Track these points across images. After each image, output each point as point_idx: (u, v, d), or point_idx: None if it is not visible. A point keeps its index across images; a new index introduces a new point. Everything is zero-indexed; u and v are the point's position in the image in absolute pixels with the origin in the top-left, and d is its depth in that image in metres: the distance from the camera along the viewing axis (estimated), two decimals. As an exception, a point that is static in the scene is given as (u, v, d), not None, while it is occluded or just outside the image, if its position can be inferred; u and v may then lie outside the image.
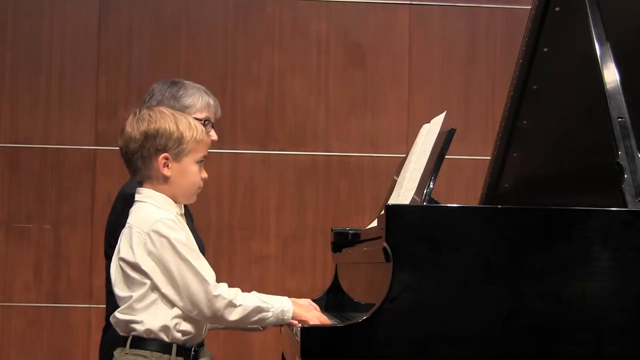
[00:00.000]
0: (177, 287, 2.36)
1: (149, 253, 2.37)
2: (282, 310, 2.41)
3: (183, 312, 2.38)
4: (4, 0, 4.80)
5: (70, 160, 4.79)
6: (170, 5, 4.87)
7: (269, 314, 2.40)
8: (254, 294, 2.44)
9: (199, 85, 3.07)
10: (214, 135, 3.03)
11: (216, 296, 2.35)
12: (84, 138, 4.80)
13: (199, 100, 3.01)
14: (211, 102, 3.05)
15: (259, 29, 4.90)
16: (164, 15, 4.86)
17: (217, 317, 2.38)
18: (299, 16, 4.92)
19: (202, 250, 2.70)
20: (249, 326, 2.47)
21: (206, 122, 3.00)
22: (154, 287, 2.37)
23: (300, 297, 2.86)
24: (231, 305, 2.37)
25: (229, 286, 2.41)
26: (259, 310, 2.39)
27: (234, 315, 2.37)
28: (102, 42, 4.83)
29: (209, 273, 2.39)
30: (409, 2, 4.96)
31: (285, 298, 2.45)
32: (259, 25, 4.90)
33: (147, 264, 2.36)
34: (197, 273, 2.36)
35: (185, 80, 3.08)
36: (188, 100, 3.00)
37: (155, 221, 2.38)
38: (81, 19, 4.83)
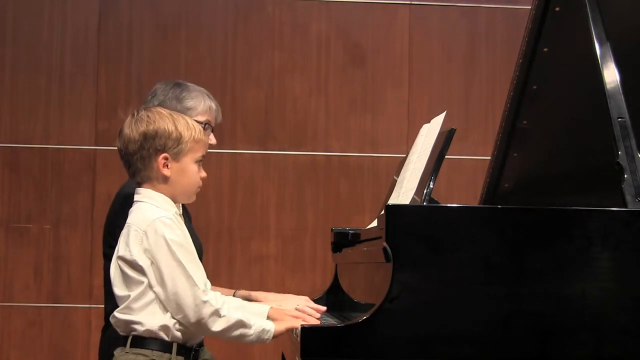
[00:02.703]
0: (165, 287, 2.35)
1: (145, 250, 2.37)
2: (263, 330, 2.39)
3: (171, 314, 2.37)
4: (4, 0, 4.80)
5: (70, 160, 4.79)
6: (170, 5, 4.87)
7: (250, 331, 2.39)
8: (239, 308, 2.43)
9: (201, 88, 3.08)
10: (213, 140, 3.04)
11: (204, 302, 2.34)
12: (84, 138, 4.80)
13: (201, 104, 3.02)
14: (213, 106, 3.06)
15: (259, 29, 4.90)
16: (164, 15, 4.86)
17: (201, 325, 2.36)
18: (299, 16, 4.92)
19: (200, 249, 2.70)
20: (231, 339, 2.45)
21: (206, 125, 3.01)
22: (151, 286, 2.37)
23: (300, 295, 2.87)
24: (216, 314, 2.35)
25: (228, 287, 2.41)
26: (241, 324, 2.37)
27: (217, 326, 2.36)
28: (102, 42, 4.83)
29: (201, 278, 2.38)
30: (409, 2, 4.96)
31: (269, 320, 2.43)
32: (259, 25, 4.90)
33: (144, 262, 2.37)
34: (188, 276, 2.35)
35: (188, 83, 3.08)
36: (190, 103, 3.01)
37: (153, 219, 2.38)
38: (81, 19, 4.83)
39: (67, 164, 4.79)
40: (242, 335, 2.39)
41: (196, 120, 2.86)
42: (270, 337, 2.41)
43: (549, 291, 2.20)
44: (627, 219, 2.25)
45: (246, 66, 4.88)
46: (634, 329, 2.21)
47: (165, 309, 2.37)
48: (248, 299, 2.93)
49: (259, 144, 4.87)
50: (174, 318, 2.37)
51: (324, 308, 2.59)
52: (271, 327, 2.40)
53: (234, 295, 2.95)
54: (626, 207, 2.30)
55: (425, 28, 4.97)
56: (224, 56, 4.87)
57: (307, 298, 2.80)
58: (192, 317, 2.35)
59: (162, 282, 2.36)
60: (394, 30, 4.95)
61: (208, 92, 3.08)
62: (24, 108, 4.79)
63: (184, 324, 2.38)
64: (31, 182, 4.77)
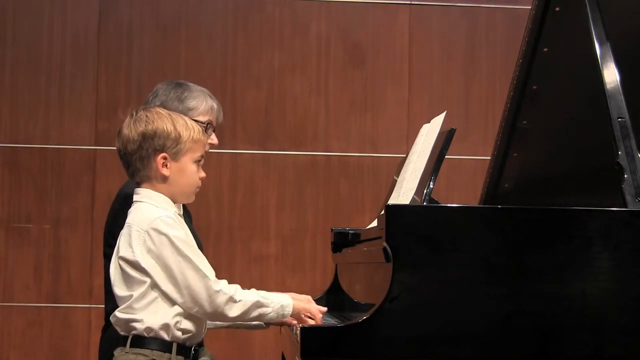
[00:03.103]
0: (177, 284, 2.36)
1: (149, 251, 2.37)
2: (282, 305, 2.42)
3: (184, 309, 2.38)
4: (4, 0, 4.80)
5: (70, 160, 4.79)
6: (170, 5, 4.87)
7: (269, 309, 2.41)
8: (254, 290, 2.44)
9: (203, 88, 3.08)
10: (214, 139, 3.04)
11: (217, 291, 2.36)
12: (84, 138, 4.80)
13: (203, 103, 3.02)
14: (215, 106, 3.06)
15: (259, 29, 4.90)
16: (164, 15, 4.86)
17: (217, 314, 2.38)
18: (299, 16, 4.92)
19: (201, 250, 2.70)
20: (251, 323, 2.48)
21: (208, 125, 3.01)
22: (154, 285, 2.38)
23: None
24: (232, 300, 2.37)
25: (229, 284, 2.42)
26: (258, 304, 2.40)
27: (234, 311, 2.38)
28: (102, 42, 4.83)
29: (209, 269, 2.39)
30: (409, 2, 4.96)
31: (286, 294, 2.46)
32: (259, 25, 4.90)
33: (147, 262, 2.37)
34: (197, 269, 2.36)
35: (189, 83, 3.09)
36: (192, 103, 3.01)
37: (154, 219, 2.38)
38: (81, 19, 4.83)
39: (67, 164, 4.79)
40: (261, 315, 2.42)
41: (198, 121, 2.86)
42: (290, 313, 2.43)
43: (549, 291, 2.20)
44: (627, 219, 2.25)
45: (246, 66, 4.88)
46: (634, 329, 2.21)
47: (169, 306, 2.37)
48: None
49: (259, 144, 4.87)
50: (179, 316, 2.38)
51: (324, 309, 2.59)
52: (289, 302, 2.43)
53: None
54: (626, 207, 2.30)
55: (425, 28, 4.97)
56: (224, 56, 4.87)
57: (309, 298, 2.80)
58: (208, 308, 2.36)
59: (172, 279, 2.36)
60: (394, 30, 4.95)
61: (209, 92, 3.08)
62: (24, 108, 4.79)
63: (198, 317, 2.39)
64: (31, 182, 4.77)
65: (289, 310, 2.43)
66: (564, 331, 2.20)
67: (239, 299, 2.38)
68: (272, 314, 2.42)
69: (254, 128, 4.87)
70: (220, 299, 2.36)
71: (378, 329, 2.16)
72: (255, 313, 2.40)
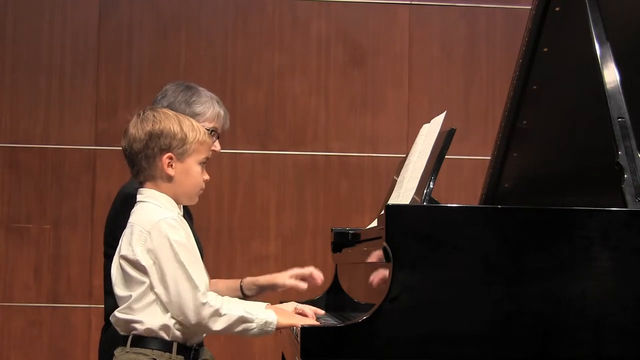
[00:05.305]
0: (168, 288, 2.36)
1: (149, 251, 2.37)
2: (266, 322, 2.39)
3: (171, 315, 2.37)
4: (4, 0, 4.80)
5: (70, 160, 4.79)
6: (170, 5, 4.87)
7: (253, 325, 2.38)
8: (239, 303, 2.43)
9: (212, 94, 3.07)
10: (217, 147, 3.03)
11: (204, 303, 2.35)
12: (84, 138, 4.80)
13: (210, 110, 3.01)
14: (222, 113, 3.05)
15: (259, 29, 4.90)
16: (164, 15, 4.86)
17: (201, 326, 2.37)
18: (299, 16, 4.92)
19: (201, 252, 2.70)
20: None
21: (212, 132, 3.00)
22: (152, 286, 2.38)
23: (299, 298, 2.87)
24: (217, 314, 2.36)
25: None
26: (242, 320, 2.38)
27: (218, 325, 2.36)
28: (102, 42, 4.83)
29: (201, 279, 2.39)
30: (409, 2, 4.96)
31: (270, 310, 2.43)
32: (259, 25, 4.90)
33: (147, 261, 2.37)
34: (189, 279, 2.35)
35: (200, 87, 3.07)
36: (199, 108, 3.00)
37: (158, 220, 2.38)
38: (81, 19, 4.83)
39: (67, 164, 4.79)
40: (245, 330, 2.39)
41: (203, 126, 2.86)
42: (274, 329, 2.41)
43: (549, 291, 2.20)
44: (627, 219, 2.25)
45: (246, 66, 4.88)
46: (634, 329, 2.21)
47: (166, 309, 2.38)
48: (255, 284, 3.01)
49: (259, 144, 4.87)
50: (174, 318, 2.38)
51: (322, 312, 2.58)
52: (274, 319, 2.40)
53: (240, 285, 3.03)
54: (626, 207, 2.30)
55: (425, 28, 4.97)
56: (224, 56, 4.87)
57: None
58: (193, 319, 2.35)
59: (164, 283, 2.36)
60: (394, 30, 4.95)
61: (218, 99, 3.07)
62: (24, 108, 4.79)
63: (184, 325, 2.38)
64: (31, 182, 4.77)
65: (272, 327, 2.40)
66: (564, 331, 2.20)
67: (224, 312, 2.36)
68: (255, 329, 2.39)
69: (254, 128, 4.87)
70: (206, 312, 2.35)
71: (378, 329, 2.16)
72: (239, 328, 2.38)
